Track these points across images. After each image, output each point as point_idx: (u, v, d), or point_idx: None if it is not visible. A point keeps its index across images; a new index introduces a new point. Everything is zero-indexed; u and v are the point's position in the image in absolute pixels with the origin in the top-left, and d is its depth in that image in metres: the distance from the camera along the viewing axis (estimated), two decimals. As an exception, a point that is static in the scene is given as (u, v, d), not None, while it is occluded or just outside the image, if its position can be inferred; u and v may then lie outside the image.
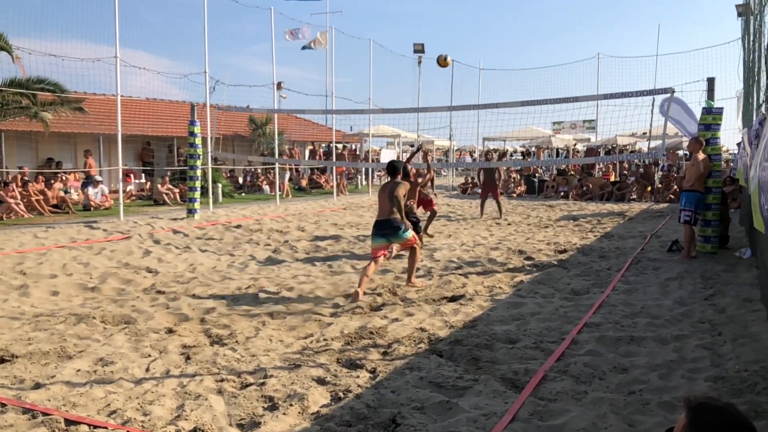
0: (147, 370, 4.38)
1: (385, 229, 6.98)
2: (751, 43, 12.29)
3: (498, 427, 3.38)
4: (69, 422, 3.49)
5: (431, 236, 11.30)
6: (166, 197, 18.27)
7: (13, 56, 14.69)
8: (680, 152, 28.05)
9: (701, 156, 8.90)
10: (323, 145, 31.37)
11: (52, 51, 13.47)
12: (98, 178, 17.24)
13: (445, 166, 31.82)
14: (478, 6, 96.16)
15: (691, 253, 8.87)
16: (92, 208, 16.16)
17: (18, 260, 8.50)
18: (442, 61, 14.67)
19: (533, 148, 34.38)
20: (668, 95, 10.50)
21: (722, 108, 9.68)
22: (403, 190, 7.01)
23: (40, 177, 16.02)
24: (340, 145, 30.36)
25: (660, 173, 22.16)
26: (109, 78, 13.92)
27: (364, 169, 28.40)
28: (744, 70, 15.07)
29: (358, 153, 32.31)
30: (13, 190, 14.27)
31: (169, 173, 19.62)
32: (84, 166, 17.95)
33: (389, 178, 7.32)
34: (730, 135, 28.44)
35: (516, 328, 5.37)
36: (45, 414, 3.56)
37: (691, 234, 8.93)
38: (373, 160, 27.58)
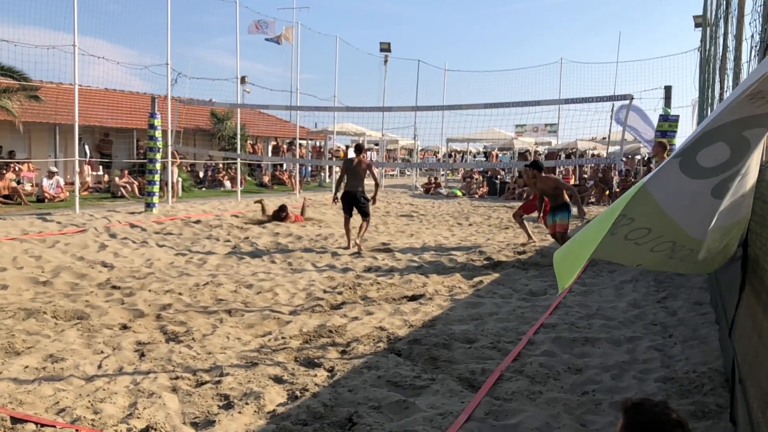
0: (99, 367, 4.28)
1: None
2: (707, 53, 12.66)
3: (454, 426, 3.40)
4: (15, 420, 3.38)
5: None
6: (123, 190, 17.88)
7: None
8: (638, 157, 28.73)
9: (666, 159, 9.12)
10: (287, 141, 31.15)
11: (6, 36, 13.04)
12: (53, 168, 16.77)
13: (409, 166, 31.93)
14: (446, 9, 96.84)
15: None
16: (47, 200, 15.72)
17: (-35, 252, 8.20)
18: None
19: (495, 150, 34.77)
20: (627, 102, 10.74)
21: (678, 115, 9.97)
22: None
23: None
24: (303, 142, 30.19)
25: (618, 178, 22.64)
26: (66, 66, 13.53)
27: (327, 167, 28.29)
28: (700, 80, 15.52)
29: (322, 150, 32.19)
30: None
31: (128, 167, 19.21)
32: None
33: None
34: (686, 142, 29.28)
35: (474, 327, 5.42)
36: (-10, 412, 3.44)
37: None
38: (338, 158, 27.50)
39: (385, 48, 27.28)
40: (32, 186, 16.77)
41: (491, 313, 5.94)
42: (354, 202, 9.79)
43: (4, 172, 15.91)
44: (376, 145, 34.27)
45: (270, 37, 21.13)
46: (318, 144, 33.63)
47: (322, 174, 28.72)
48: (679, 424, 1.72)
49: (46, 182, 16.19)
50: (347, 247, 9.67)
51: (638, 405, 1.78)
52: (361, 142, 9.44)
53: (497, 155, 34.87)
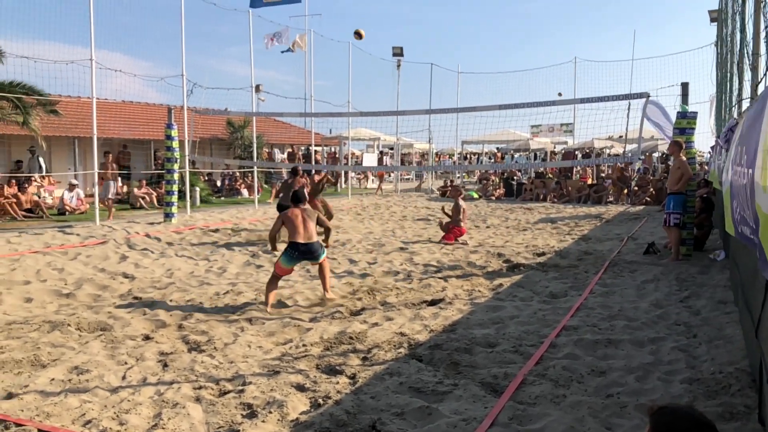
0: (123, 378, 4.32)
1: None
2: (724, 48, 12.51)
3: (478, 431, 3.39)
4: (43, 433, 3.42)
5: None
6: (142, 201, 18.06)
7: None
8: (655, 155, 28.46)
9: (683, 158, 9.03)
10: (302, 147, 31.28)
11: (25, 53, 13.25)
12: (74, 181, 16.98)
13: (423, 169, 31.93)
14: (458, 10, 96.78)
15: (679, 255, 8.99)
16: (67, 213, 15.92)
17: (-10, 266, 8.33)
18: (357, 36, 14.49)
19: (511, 152, 34.63)
20: (645, 99, 10.64)
21: (696, 112, 9.84)
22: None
23: (13, 180, 15.73)
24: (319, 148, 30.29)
25: (636, 176, 22.45)
26: (84, 80, 13.71)
27: (343, 173, 28.36)
28: (717, 75, 15.34)
29: (337, 156, 32.29)
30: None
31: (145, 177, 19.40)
32: (101, 167, 16.49)
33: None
34: (704, 138, 28.92)
35: (495, 331, 5.39)
36: (18, 425, 3.49)
37: (680, 236, 9.04)
38: (355, 163, 27.64)
39: (398, 52, 27.32)
40: (53, 199, 16.99)
41: (512, 317, 5.91)
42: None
43: (26, 186, 16.15)
44: (391, 149, 34.30)
45: (285, 48, 21.26)
46: (333, 150, 33.75)
47: (339, 180, 28.79)
48: (707, 427, 1.70)
49: (66, 195, 16.40)
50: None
51: (664, 409, 1.76)
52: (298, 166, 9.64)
53: (502, 156, 34.73)
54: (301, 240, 6.53)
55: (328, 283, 6.86)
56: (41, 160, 18.26)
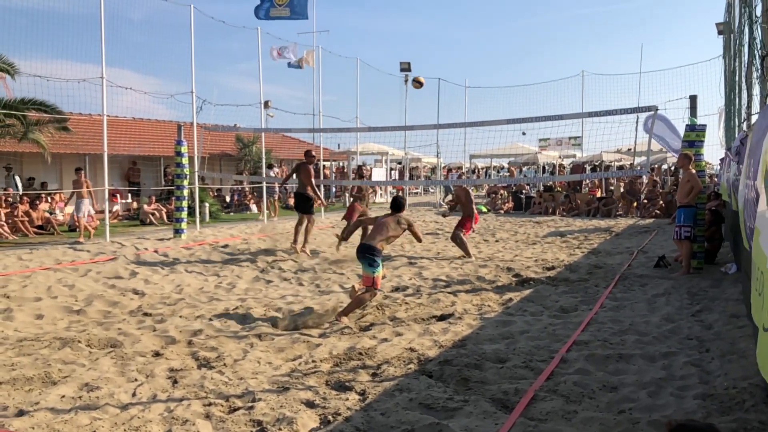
0: (133, 395, 4.32)
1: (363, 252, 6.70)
2: (732, 60, 12.50)
3: (489, 448, 3.36)
4: (53, 450, 3.42)
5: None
6: (152, 217, 18.15)
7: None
8: (664, 167, 28.36)
9: (692, 170, 9.00)
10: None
11: (37, 71, 13.41)
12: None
13: (432, 183, 31.95)
14: (465, 25, 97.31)
15: (690, 269, 8.93)
16: (77, 229, 16.01)
17: (1, 283, 8.38)
18: (417, 84, 14.54)
19: (519, 165, 34.61)
20: (652, 113, 10.63)
21: (705, 125, 9.82)
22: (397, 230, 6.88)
23: (25, 198, 15.86)
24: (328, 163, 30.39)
25: (645, 189, 22.36)
26: (95, 98, 13.85)
27: (350, 187, 28.41)
28: (725, 87, 15.31)
29: (345, 171, 32.37)
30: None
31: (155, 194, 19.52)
32: (74, 185, 16.09)
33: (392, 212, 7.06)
34: (714, 151, 28.83)
35: (505, 346, 5.37)
36: (29, 442, 3.49)
37: (690, 249, 8.98)
38: (367, 178, 27.62)
39: (405, 68, 27.43)
40: (64, 215, 17.11)
41: (522, 331, 5.88)
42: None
43: (38, 203, 16.28)
44: (400, 163, 34.37)
45: (292, 62, 21.41)
46: (341, 164, 33.85)
47: (346, 195, 28.86)
48: None
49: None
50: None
51: (683, 427, 1.72)
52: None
53: (519, 170, 34.69)
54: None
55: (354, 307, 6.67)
56: (17, 178, 18.33)
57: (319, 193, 11.97)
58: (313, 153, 12.10)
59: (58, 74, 13.51)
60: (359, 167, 12.48)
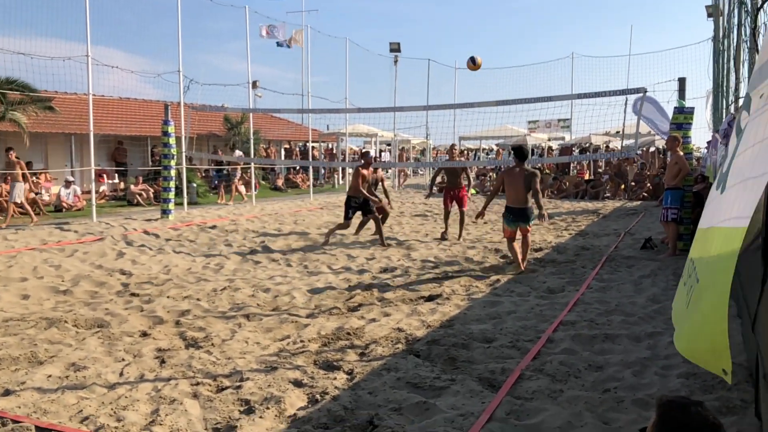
0: (121, 374, 4.32)
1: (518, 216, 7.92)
2: (721, 43, 12.52)
3: (475, 427, 3.39)
4: (40, 429, 3.42)
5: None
6: (139, 198, 18.03)
7: None
8: (652, 149, 28.48)
9: (680, 153, 9.04)
10: (299, 144, 31.24)
11: (21, 49, 13.19)
12: (70, 178, 16.95)
13: (421, 165, 31.93)
14: (456, 6, 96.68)
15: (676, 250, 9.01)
16: (64, 209, 15.88)
17: (-13, 263, 8.32)
18: (472, 65, 13.34)
19: (508, 147, 34.62)
20: (641, 95, 10.64)
21: (693, 107, 9.85)
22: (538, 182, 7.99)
23: (9, 177, 15.65)
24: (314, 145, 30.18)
25: (634, 170, 22.46)
26: (80, 77, 13.68)
27: (340, 169, 28.34)
28: (714, 70, 15.35)
29: (334, 152, 32.26)
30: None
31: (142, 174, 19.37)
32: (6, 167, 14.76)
33: (516, 164, 8.07)
34: (700, 134, 28.97)
35: (492, 327, 5.40)
36: (15, 421, 3.48)
37: (677, 232, 9.05)
38: (352, 160, 27.50)
39: (395, 48, 27.29)
40: (50, 196, 16.95)
41: (509, 312, 5.92)
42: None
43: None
44: (389, 145, 34.27)
45: (280, 41, 21.19)
46: (330, 146, 33.71)
47: (336, 176, 28.79)
48: (714, 427, 1.67)
49: (63, 192, 16.37)
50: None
51: (673, 402, 1.73)
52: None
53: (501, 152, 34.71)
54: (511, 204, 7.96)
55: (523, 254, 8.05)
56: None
57: (374, 194, 11.01)
58: (371, 154, 11.18)
59: (44, 52, 13.30)
60: (365, 153, 11.14)
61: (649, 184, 20.40)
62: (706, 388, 3.93)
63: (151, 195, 18.22)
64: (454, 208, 11.15)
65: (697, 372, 4.18)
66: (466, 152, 41.67)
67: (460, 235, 11.12)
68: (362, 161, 10.86)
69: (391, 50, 27.34)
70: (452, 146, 11.30)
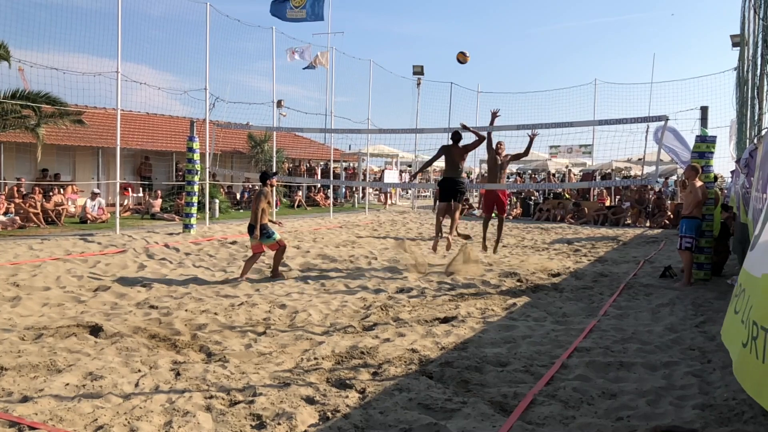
0: (136, 385, 4.38)
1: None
2: (746, 73, 12.45)
3: (485, 450, 3.38)
4: (56, 436, 3.48)
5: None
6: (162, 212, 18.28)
7: (9, 62, 14.75)
8: (673, 178, 28.24)
9: (698, 183, 8.98)
10: (321, 163, 31.48)
11: (54, 64, 13.57)
12: (96, 190, 17.27)
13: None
14: (478, 31, 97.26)
15: (690, 279, 8.92)
16: (89, 221, 16.16)
17: (12, 272, 8.50)
18: (462, 57, 13.51)
19: (528, 172, 34.52)
20: (662, 123, 10.59)
21: (715, 136, 9.78)
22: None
23: (38, 189, 16.00)
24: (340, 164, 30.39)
25: (654, 197, 22.26)
26: (110, 92, 14.03)
27: (361, 188, 28.49)
28: (737, 100, 15.24)
29: (356, 172, 32.44)
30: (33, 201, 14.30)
31: (162, 190, 19.65)
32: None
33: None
34: (724, 163, 28.64)
35: (507, 351, 5.38)
36: (31, 428, 3.56)
37: (692, 260, 8.97)
38: (375, 180, 27.72)
39: (418, 71, 27.54)
40: (76, 207, 17.27)
41: (524, 336, 5.89)
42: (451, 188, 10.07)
43: (51, 194, 16.44)
44: (410, 166, 34.40)
45: (306, 64, 21.53)
46: (351, 165, 33.93)
47: (356, 195, 28.94)
48: None
49: (89, 203, 16.67)
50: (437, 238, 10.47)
51: (668, 431, 1.75)
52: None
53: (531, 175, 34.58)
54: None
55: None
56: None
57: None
58: (467, 126, 10.41)
59: (76, 68, 13.67)
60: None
61: (669, 213, 20.19)
62: (722, 421, 3.88)
63: (173, 214, 18.46)
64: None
65: (714, 404, 4.14)
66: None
67: (496, 248, 11.31)
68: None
69: (414, 73, 27.59)
70: (499, 143, 11.11)
